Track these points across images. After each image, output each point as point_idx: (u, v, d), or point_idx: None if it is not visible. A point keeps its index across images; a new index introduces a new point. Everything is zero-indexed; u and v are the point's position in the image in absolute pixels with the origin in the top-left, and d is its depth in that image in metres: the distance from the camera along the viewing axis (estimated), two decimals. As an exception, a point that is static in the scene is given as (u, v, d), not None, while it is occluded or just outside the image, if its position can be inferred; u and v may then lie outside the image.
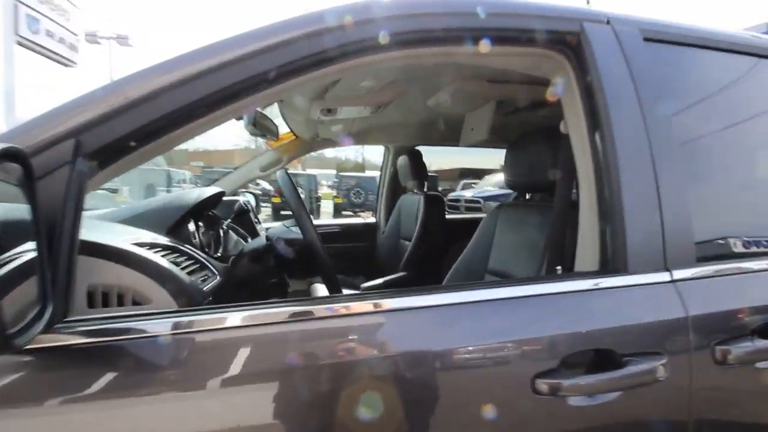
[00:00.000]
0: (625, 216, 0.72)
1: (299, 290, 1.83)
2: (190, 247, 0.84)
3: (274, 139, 1.78)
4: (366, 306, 0.61)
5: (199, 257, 0.83)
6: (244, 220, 1.46)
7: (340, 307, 0.60)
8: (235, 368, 0.54)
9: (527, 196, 1.44)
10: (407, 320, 0.62)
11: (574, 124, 0.86)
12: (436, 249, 2.04)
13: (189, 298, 0.70)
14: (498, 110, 1.65)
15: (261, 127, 1.45)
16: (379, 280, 1.87)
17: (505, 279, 1.18)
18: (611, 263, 0.74)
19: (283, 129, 2.12)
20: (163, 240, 0.79)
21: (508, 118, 1.76)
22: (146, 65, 0.62)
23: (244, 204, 1.32)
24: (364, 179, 12.66)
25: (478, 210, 10.01)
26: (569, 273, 0.77)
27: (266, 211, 12.12)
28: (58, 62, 9.92)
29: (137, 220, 0.84)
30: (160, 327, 0.54)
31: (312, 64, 0.64)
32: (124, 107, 0.58)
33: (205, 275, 0.80)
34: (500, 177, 11.75)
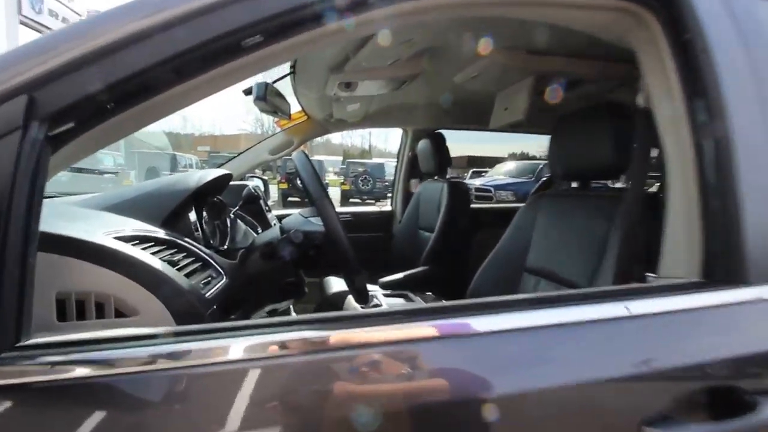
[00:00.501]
0: (742, 211, 0.56)
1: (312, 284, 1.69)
2: (190, 241, 0.69)
3: (285, 117, 1.62)
4: (422, 330, 0.45)
5: (202, 254, 0.69)
6: (253, 208, 1.30)
7: (387, 330, 0.45)
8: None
9: (572, 185, 1.27)
10: (477, 349, 0.46)
11: (661, 97, 0.68)
12: (460, 241, 1.88)
13: (188, 308, 0.55)
14: (536, 87, 1.46)
15: (271, 102, 1.29)
16: (399, 275, 1.72)
17: (583, 291, 1.01)
18: (720, 271, 0.58)
19: (295, 108, 1.96)
20: (157, 232, 0.65)
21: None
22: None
23: (254, 189, 1.16)
24: (372, 166, 12.46)
25: (489, 199, 9.81)
26: (672, 284, 0.60)
27: (272, 198, 11.99)
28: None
29: (126, 207, 0.69)
30: (147, 357, 0.39)
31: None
32: (97, 53, 0.42)
33: (209, 276, 0.66)
34: (511, 166, 11.55)
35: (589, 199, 1.12)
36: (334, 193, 12.38)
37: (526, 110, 1.46)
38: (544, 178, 2.81)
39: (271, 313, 0.91)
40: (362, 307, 0.87)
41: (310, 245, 0.81)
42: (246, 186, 1.17)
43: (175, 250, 0.64)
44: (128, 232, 0.59)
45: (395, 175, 2.49)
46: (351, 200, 11.70)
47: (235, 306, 0.73)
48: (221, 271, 0.70)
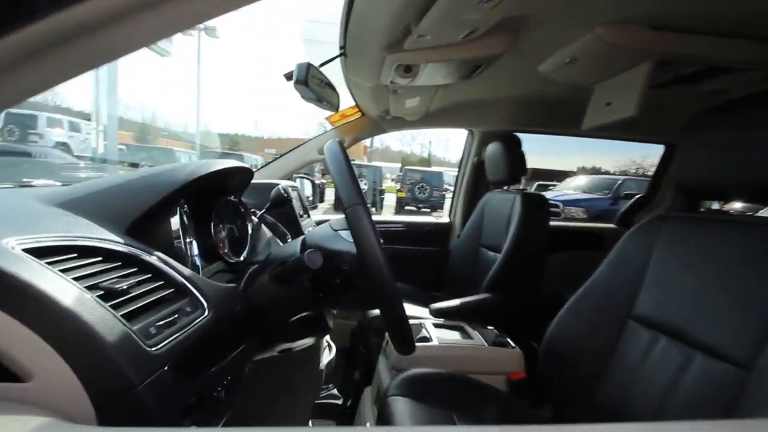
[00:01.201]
0: None
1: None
2: (163, 257, 0.48)
3: (332, 109, 1.41)
4: None
5: (176, 277, 0.47)
6: (284, 212, 1.11)
7: None
8: None
9: (714, 206, 0.91)
10: None
11: None
12: (532, 267, 1.54)
13: (112, 376, 0.33)
14: (655, 75, 1.11)
15: (315, 89, 1.08)
16: (455, 302, 1.43)
17: None
18: None
19: (346, 103, 1.76)
20: (106, 243, 0.45)
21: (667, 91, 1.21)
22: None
23: (284, 190, 0.95)
24: (430, 174, 12.17)
25: (556, 215, 9.01)
26: None
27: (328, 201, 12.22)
28: (156, 52, 10.81)
29: (82, 204, 0.50)
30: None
31: None
32: None
33: (175, 313, 0.44)
34: (582, 180, 10.60)
35: (750, 228, 0.76)
36: (390, 200, 12.26)
37: (638, 105, 1.11)
38: (638, 196, 2.34)
39: (283, 354, 0.68)
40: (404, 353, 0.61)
41: (334, 271, 0.58)
42: (276, 186, 0.97)
43: (130, 271, 0.44)
44: (50, 242, 0.39)
45: (456, 183, 2.20)
46: (406, 207, 11.50)
47: (219, 351, 0.51)
48: (202, 302, 0.48)
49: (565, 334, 1.03)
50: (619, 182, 9.51)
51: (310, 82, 1.04)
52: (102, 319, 0.34)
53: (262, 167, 1.90)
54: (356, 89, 1.46)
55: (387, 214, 11.64)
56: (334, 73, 1.32)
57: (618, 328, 0.95)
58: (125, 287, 0.40)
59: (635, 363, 0.88)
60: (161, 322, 0.41)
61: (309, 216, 1.39)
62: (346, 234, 0.62)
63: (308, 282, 0.59)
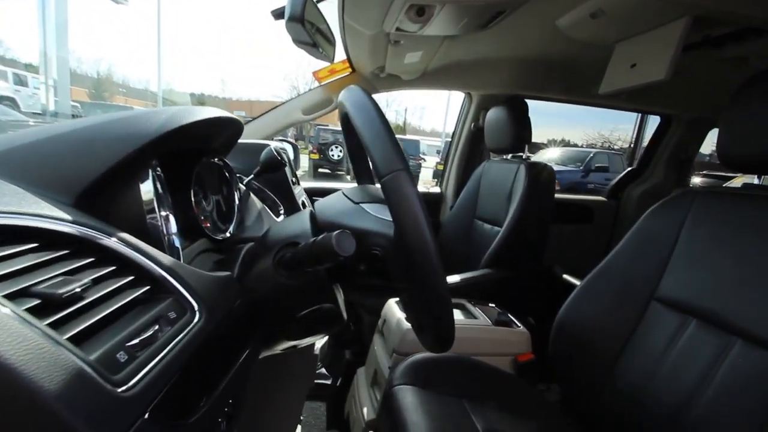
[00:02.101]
0: None
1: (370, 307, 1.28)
2: (129, 240, 0.34)
3: (327, 58, 1.23)
4: None
5: (152, 268, 0.33)
6: (276, 179, 0.95)
7: None
8: None
9: (757, 180, 0.83)
10: None
11: None
12: (535, 241, 1.47)
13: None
14: (692, 34, 1.00)
15: (311, 30, 0.90)
16: (455, 278, 1.34)
17: None
18: None
19: (338, 57, 1.57)
20: (46, 219, 0.30)
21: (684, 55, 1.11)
22: None
23: (278, 152, 0.80)
24: (407, 142, 11.96)
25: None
26: None
27: (302, 168, 11.85)
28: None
29: (11, 163, 0.34)
30: None
31: None
32: None
33: (155, 321, 0.30)
34: (555, 153, 10.73)
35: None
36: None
37: (670, 68, 1.00)
38: (629, 169, 2.30)
39: (288, 352, 0.56)
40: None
41: (360, 256, 0.45)
42: (267, 147, 0.81)
43: (83, 262, 0.30)
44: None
45: (450, 150, 2.07)
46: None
47: (219, 369, 0.38)
48: (191, 301, 0.35)
49: (580, 316, 0.97)
50: (591, 155, 9.73)
51: (305, 20, 0.86)
52: (32, 349, 0.21)
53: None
54: (352, 38, 1.27)
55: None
56: (327, 18, 1.14)
57: (639, 310, 0.89)
58: (76, 290, 0.26)
59: (659, 348, 0.82)
60: (134, 341, 0.27)
61: (299, 183, 1.24)
62: (372, 208, 0.49)
63: (324, 269, 0.47)
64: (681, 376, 0.77)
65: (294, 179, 1.10)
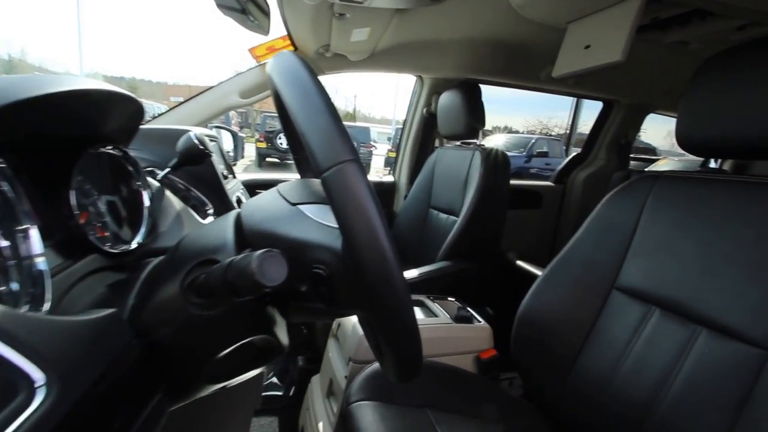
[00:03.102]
0: None
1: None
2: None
3: (261, 29, 1.07)
4: None
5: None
6: (202, 173, 0.80)
7: None
8: None
9: (714, 164, 0.83)
10: None
11: None
12: (493, 229, 1.43)
13: None
14: (646, 13, 0.98)
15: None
16: (412, 272, 1.27)
17: None
18: None
19: (277, 32, 1.40)
20: None
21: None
22: None
23: (198, 140, 0.65)
24: (357, 129, 11.78)
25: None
26: None
27: (248, 158, 11.31)
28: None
29: None
30: None
31: None
32: None
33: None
34: (500, 139, 11.14)
35: (761, 189, 0.68)
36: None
37: (625, 49, 0.98)
38: (574, 154, 2.36)
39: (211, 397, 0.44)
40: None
41: (298, 276, 0.34)
42: (187, 134, 0.66)
43: None
44: None
45: (402, 137, 1.98)
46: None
47: None
48: (29, 373, 0.22)
49: (541, 308, 0.93)
50: (533, 141, 10.18)
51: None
52: None
53: (163, 113, 1.48)
54: (291, 11, 1.13)
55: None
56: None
57: (601, 300, 0.87)
58: None
59: (622, 339, 0.80)
60: None
61: (234, 176, 1.08)
62: (314, 211, 0.38)
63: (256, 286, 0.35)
64: (646, 368, 0.75)
65: (226, 171, 0.95)
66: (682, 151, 0.82)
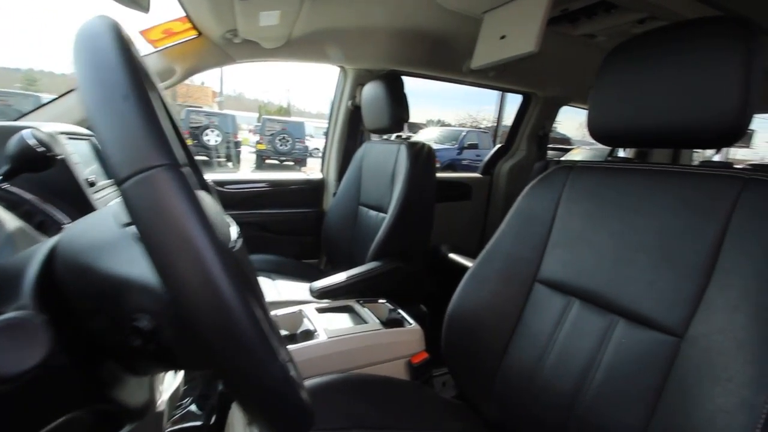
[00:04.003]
0: None
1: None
2: None
3: (139, 7, 0.91)
4: None
5: None
6: (57, 181, 0.64)
7: None
8: None
9: (621, 153, 0.85)
10: None
11: None
12: (422, 225, 1.40)
13: None
14: (556, 5, 0.98)
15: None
16: (339, 276, 1.19)
17: None
18: None
19: (174, 12, 1.23)
20: None
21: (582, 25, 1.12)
22: None
23: (38, 139, 0.51)
24: (291, 124, 11.36)
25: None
26: None
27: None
28: None
29: None
30: None
31: None
32: None
33: None
34: (434, 132, 11.45)
35: (670, 177, 0.69)
36: (249, 154, 11.12)
37: (538, 39, 0.97)
38: (499, 145, 2.44)
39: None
40: None
41: (121, 328, 0.24)
42: (18, 131, 0.51)
43: None
44: None
45: (328, 131, 1.89)
46: (267, 161, 10.62)
47: None
48: None
49: (469, 305, 0.91)
50: (463, 134, 10.61)
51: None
52: None
53: (35, 109, 1.23)
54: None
55: (246, 169, 10.55)
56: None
57: (525, 293, 0.86)
58: None
59: (546, 332, 0.80)
60: None
61: (92, 185, 0.91)
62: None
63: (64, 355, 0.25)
64: (570, 359, 0.74)
65: (92, 178, 0.78)
66: (593, 141, 0.83)
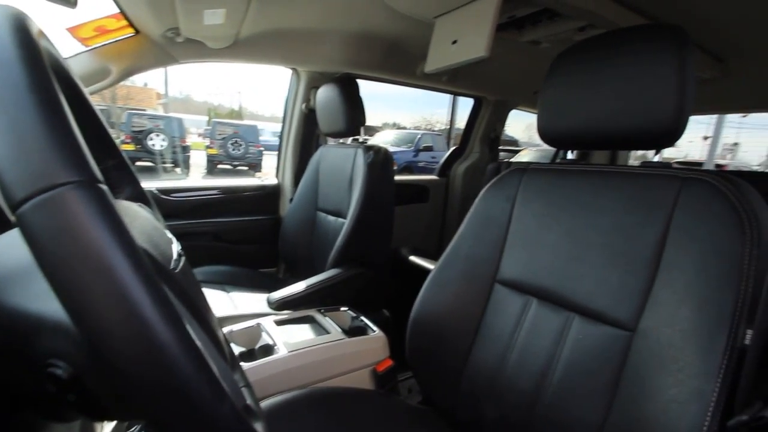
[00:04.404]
0: None
1: None
2: None
3: (66, 3, 0.82)
4: None
5: None
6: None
7: None
8: None
9: (570, 155, 0.88)
10: None
11: None
12: (382, 229, 1.38)
13: None
14: (504, 8, 1.01)
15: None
16: (299, 286, 1.15)
17: None
18: None
19: (109, 9, 1.13)
20: None
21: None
22: None
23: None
24: (244, 127, 10.98)
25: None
26: None
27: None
28: None
29: None
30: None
31: None
32: None
33: None
34: (390, 135, 11.55)
35: (620, 178, 0.73)
36: (199, 158, 10.60)
37: (488, 44, 1.00)
38: (454, 147, 2.49)
39: None
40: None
41: (29, 375, 0.21)
42: None
43: None
44: None
45: (282, 135, 1.82)
46: (220, 166, 10.17)
47: None
48: None
49: (432, 309, 0.91)
50: (419, 136, 10.81)
51: None
52: None
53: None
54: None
55: (197, 175, 10.06)
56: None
57: (485, 294, 0.87)
58: None
59: (507, 332, 0.81)
60: None
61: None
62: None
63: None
64: (531, 358, 0.76)
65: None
66: (539, 142, 0.86)
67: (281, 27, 1.34)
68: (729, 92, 1.77)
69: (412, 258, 1.79)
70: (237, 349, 0.90)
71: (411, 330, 0.92)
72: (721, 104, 2.02)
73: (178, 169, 9.91)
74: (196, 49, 1.34)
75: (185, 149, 10.02)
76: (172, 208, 1.58)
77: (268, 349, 0.89)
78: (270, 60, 1.53)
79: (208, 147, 10.47)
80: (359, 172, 1.31)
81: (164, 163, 9.73)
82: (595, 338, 0.68)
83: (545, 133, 0.82)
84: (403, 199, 2.16)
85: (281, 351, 0.87)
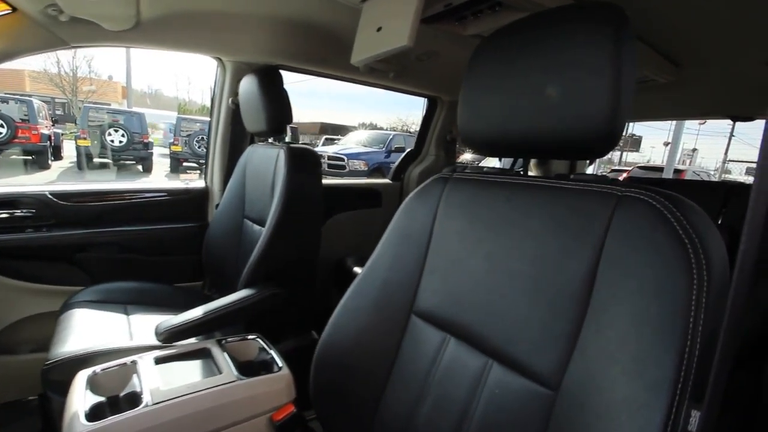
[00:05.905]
0: None
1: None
2: None
3: None
4: None
5: None
6: None
7: None
8: None
9: (498, 163, 0.75)
10: None
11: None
12: (306, 239, 1.22)
13: None
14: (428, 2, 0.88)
15: None
16: (194, 312, 0.97)
17: None
18: None
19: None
20: None
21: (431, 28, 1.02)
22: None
23: None
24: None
25: (342, 168, 9.36)
26: None
27: (69, 158, 9.21)
28: None
29: None
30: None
31: None
32: None
33: None
34: (363, 135, 11.38)
35: (548, 194, 0.60)
36: (161, 157, 10.09)
37: (411, 33, 0.86)
38: (408, 150, 2.35)
39: None
40: None
41: None
42: None
43: None
44: None
45: (210, 132, 1.63)
46: (185, 164, 9.68)
47: None
48: None
49: (340, 343, 0.76)
50: (391, 137, 10.70)
51: None
52: None
53: None
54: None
55: (160, 173, 9.58)
56: None
57: (401, 326, 0.73)
58: None
59: (423, 372, 0.67)
60: None
61: None
62: None
63: None
64: (446, 407, 0.62)
65: None
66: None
67: (193, 9, 1.16)
68: (686, 98, 1.72)
69: (357, 269, 1.64)
70: (95, 399, 0.72)
71: (316, 365, 0.77)
72: (679, 110, 1.98)
73: (139, 167, 9.42)
74: (90, 31, 1.14)
75: (147, 146, 9.50)
76: (72, 214, 1.37)
77: (133, 399, 0.72)
78: (186, 47, 1.34)
79: (171, 144, 9.96)
80: (280, 174, 1.15)
81: (123, 160, 9.20)
82: (514, 393, 0.54)
83: (467, 137, 0.69)
84: (354, 205, 2.01)
85: (146, 401, 0.70)
